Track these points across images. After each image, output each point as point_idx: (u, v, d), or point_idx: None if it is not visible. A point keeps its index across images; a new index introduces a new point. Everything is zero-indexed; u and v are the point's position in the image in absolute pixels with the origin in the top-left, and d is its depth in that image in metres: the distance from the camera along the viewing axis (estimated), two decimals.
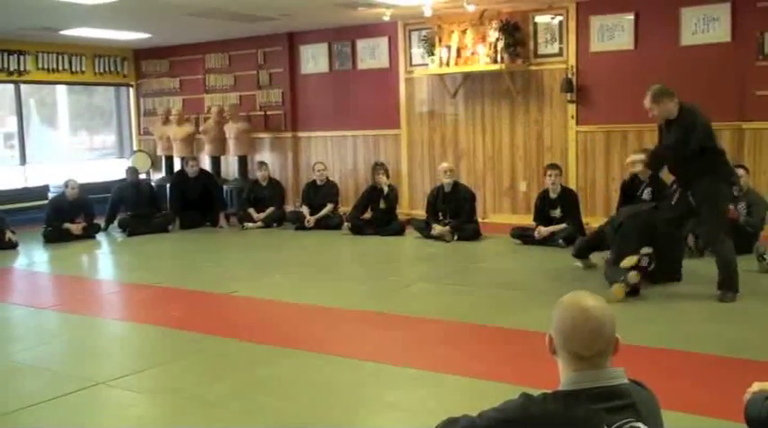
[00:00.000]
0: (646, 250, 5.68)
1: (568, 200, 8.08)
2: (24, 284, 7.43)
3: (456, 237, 8.41)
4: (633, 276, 5.55)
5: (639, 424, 1.77)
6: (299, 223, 9.73)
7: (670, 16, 8.49)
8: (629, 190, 7.04)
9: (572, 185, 8.87)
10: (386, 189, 9.30)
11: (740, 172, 7.08)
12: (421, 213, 9.36)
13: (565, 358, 1.86)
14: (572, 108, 9.19)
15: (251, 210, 10.12)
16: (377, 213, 9.32)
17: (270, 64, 11.47)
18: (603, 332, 1.82)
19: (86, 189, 9.91)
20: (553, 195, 8.07)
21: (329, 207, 9.80)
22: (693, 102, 5.75)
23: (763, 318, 5.09)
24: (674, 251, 6.12)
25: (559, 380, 1.87)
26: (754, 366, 4.01)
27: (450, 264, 7.36)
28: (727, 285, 5.56)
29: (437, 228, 8.51)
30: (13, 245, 8.78)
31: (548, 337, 1.91)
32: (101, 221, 9.76)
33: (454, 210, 8.64)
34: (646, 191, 6.77)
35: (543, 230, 7.92)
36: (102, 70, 12.27)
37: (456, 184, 8.78)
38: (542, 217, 8.09)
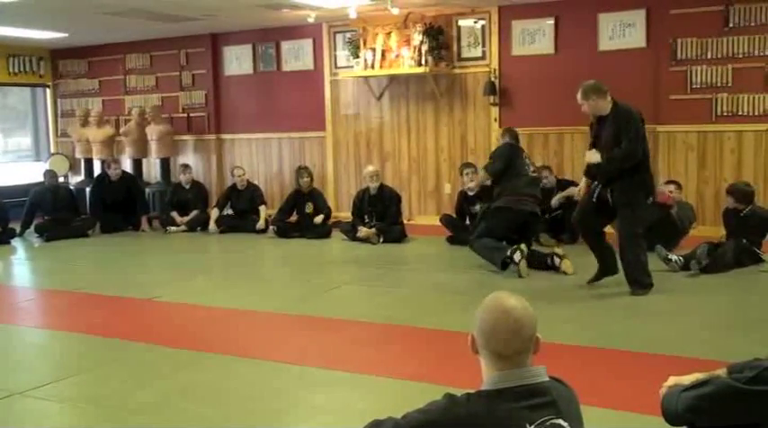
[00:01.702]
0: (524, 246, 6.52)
1: (488, 195, 8.23)
2: None
3: (382, 239, 8.44)
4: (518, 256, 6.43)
5: (560, 421, 1.82)
6: (223, 226, 9.60)
7: (589, 22, 8.71)
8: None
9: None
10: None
11: (671, 187, 7.39)
12: (347, 215, 9.36)
13: (487, 357, 1.89)
14: (495, 110, 9.33)
15: (174, 214, 9.94)
16: (302, 216, 9.28)
17: (192, 65, 11.28)
18: (524, 332, 1.86)
19: (1, 192, 9.55)
20: (471, 193, 8.32)
21: (263, 208, 9.61)
22: (628, 103, 5.88)
23: (677, 315, 5.27)
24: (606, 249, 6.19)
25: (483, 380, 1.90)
26: (670, 361, 4.14)
27: (377, 266, 7.37)
28: (639, 283, 5.74)
29: (363, 231, 8.53)
30: None
31: (470, 337, 1.93)
32: (16, 226, 9.43)
33: (380, 213, 8.68)
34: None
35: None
36: (16, 70, 11.87)
37: (382, 187, 8.82)
38: (463, 213, 8.46)
